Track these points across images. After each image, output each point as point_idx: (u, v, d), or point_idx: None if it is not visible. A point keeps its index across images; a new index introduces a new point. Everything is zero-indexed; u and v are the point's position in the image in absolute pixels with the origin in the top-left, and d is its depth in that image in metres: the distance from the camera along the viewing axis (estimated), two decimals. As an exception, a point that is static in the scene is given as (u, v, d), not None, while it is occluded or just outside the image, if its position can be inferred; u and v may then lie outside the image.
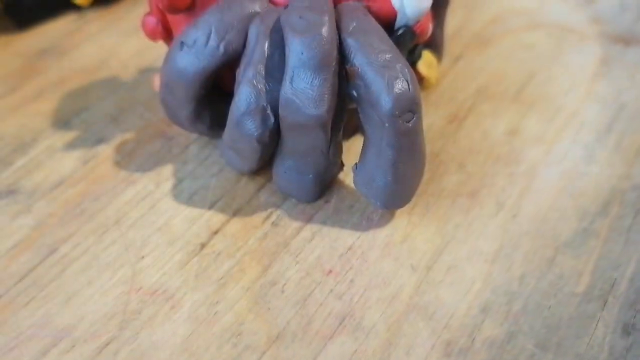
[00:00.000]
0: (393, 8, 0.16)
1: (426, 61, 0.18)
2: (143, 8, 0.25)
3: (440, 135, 0.19)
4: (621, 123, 0.20)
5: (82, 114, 0.21)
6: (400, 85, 0.15)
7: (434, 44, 0.20)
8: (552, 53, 0.22)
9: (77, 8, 0.25)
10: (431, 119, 0.20)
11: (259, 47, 0.16)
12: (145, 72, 0.22)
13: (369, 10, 0.16)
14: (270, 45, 0.16)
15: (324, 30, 0.15)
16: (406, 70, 0.15)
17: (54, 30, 0.25)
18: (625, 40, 0.23)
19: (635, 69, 0.21)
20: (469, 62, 0.22)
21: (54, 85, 0.22)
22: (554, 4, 0.25)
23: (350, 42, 0.15)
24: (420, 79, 0.18)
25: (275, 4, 0.17)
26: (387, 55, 0.15)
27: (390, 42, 0.16)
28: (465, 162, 0.19)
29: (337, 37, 0.15)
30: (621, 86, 0.21)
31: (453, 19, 0.24)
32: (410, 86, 0.15)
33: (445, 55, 0.22)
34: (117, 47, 0.24)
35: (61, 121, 0.20)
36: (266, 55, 0.16)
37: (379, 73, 0.15)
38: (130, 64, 0.23)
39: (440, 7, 0.19)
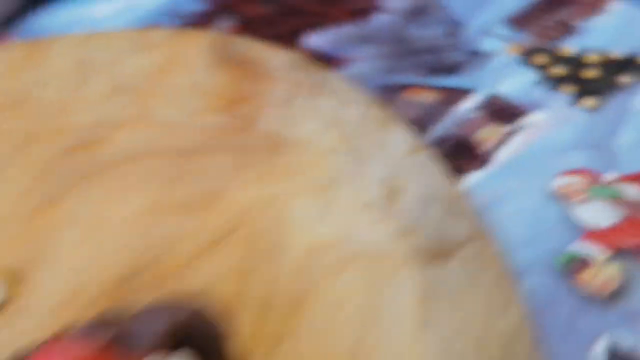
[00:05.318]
0: None
1: None
2: None
3: None
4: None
5: None
6: None
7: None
8: (368, 304, 0.20)
9: None
10: None
11: None
12: None
13: None
14: None
15: None
16: None
17: None
18: (439, 254, 0.21)
19: (457, 299, 0.19)
20: (290, 346, 0.20)
21: None
22: (355, 220, 0.22)
23: None
24: None
25: None
26: None
27: None
28: None
29: None
30: (448, 332, 0.19)
31: (257, 282, 0.21)
32: None
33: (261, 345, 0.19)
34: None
35: None
36: None
37: None
38: None
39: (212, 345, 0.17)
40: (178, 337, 0.16)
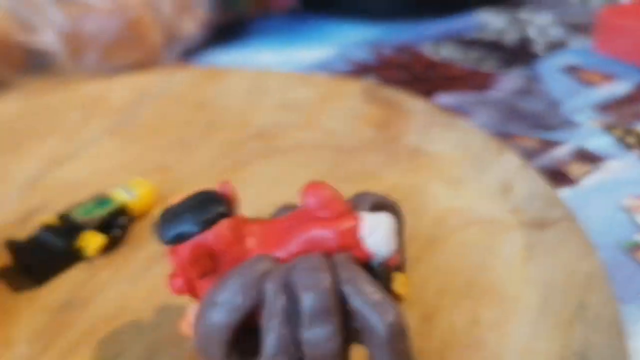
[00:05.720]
0: (370, 254, 0.21)
1: (400, 282, 0.23)
2: (144, 251, 0.30)
3: (417, 334, 0.24)
4: (554, 299, 0.25)
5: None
6: (390, 317, 0.20)
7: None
8: (487, 246, 0.28)
9: (85, 258, 0.30)
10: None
11: (277, 301, 0.21)
12: (162, 312, 0.26)
13: (354, 257, 0.21)
14: (286, 300, 0.21)
15: (326, 285, 0.20)
16: (392, 305, 0.20)
17: (69, 282, 0.28)
18: (540, 225, 0.29)
19: (552, 249, 0.28)
20: (426, 265, 0.28)
21: (83, 336, 0.25)
22: (478, 200, 0.31)
23: (348, 289, 0.20)
24: (398, 297, 0.23)
25: (282, 261, 0.22)
26: (376, 296, 0.20)
27: (375, 283, 0.21)
28: (444, 356, 0.23)
29: (337, 287, 0.20)
30: (546, 266, 0.27)
31: (404, 226, 0.30)
32: (397, 316, 0.20)
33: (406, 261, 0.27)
34: (131, 291, 0.28)
35: (98, 370, 0.24)
36: (284, 307, 0.21)
37: (373, 309, 0.20)
38: (146, 306, 0.27)
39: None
40: (379, 209, 0.24)
